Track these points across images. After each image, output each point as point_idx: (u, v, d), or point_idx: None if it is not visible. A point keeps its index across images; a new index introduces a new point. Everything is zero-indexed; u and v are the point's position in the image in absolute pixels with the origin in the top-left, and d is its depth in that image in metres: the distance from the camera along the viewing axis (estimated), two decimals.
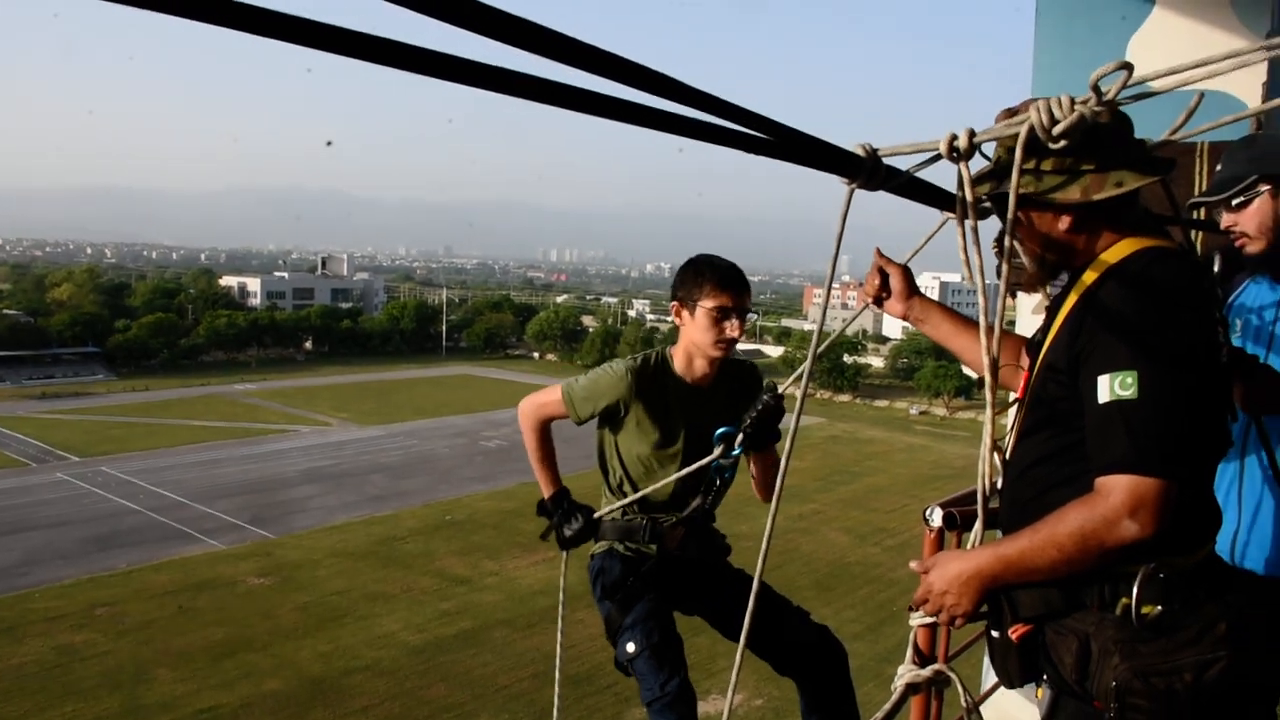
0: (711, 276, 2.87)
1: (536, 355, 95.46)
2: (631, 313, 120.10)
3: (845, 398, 71.46)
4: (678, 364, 3.01)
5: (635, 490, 3.00)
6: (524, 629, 25.34)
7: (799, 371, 2.27)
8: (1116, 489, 1.51)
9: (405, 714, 21.28)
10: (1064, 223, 1.69)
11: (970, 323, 2.18)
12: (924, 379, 69.74)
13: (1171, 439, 1.52)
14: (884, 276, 2.22)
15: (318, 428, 55.77)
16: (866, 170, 1.49)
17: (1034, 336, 1.85)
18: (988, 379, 1.68)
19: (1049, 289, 1.90)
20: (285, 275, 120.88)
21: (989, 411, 1.68)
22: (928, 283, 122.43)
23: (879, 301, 2.27)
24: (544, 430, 3.15)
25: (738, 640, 2.77)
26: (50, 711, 20.34)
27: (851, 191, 1.54)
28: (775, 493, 1.99)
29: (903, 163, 1.61)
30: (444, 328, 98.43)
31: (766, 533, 1.76)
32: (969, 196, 1.62)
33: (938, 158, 1.58)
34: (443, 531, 35.45)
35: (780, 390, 2.83)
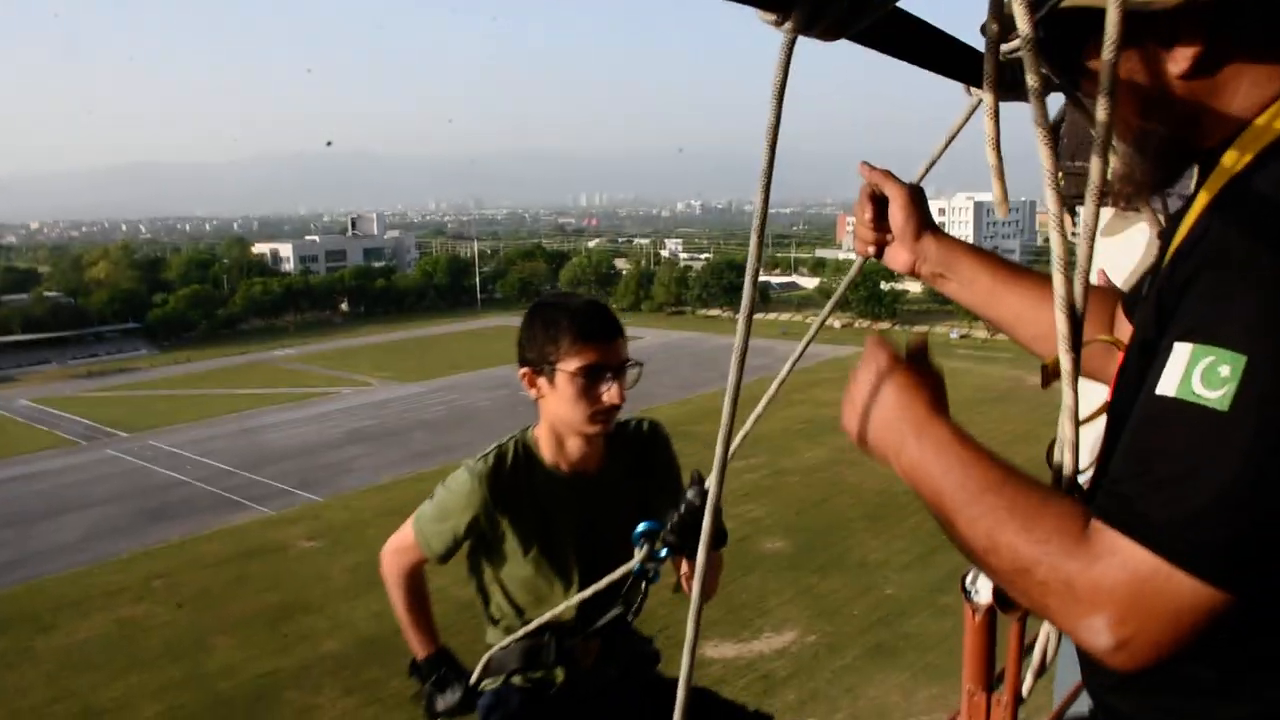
0: (568, 326, 2.14)
1: None
2: (664, 253, 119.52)
3: (883, 325, 70.85)
4: (545, 451, 2.28)
5: (524, 621, 2.30)
6: None
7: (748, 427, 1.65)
8: (1114, 564, 0.80)
9: None
10: (1182, 62, 0.93)
11: (1021, 274, 1.38)
12: None
13: (1262, 521, 0.77)
14: (878, 205, 1.41)
15: (359, 388, 56.15)
16: None
17: (1138, 288, 1.15)
18: (1065, 365, 0.96)
19: (1158, 204, 1.16)
20: (317, 239, 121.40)
21: (1066, 427, 0.97)
22: (960, 204, 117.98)
23: (879, 251, 1.45)
24: (411, 580, 2.46)
25: None
26: (117, 683, 20.73)
27: (791, 41, 0.90)
28: (696, 584, 1.28)
29: None
30: (477, 280, 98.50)
31: (689, 643, 1.20)
32: (1026, 29, 0.90)
33: None
34: None
35: (708, 483, 1.87)
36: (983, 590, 1.71)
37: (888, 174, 1.40)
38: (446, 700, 2.44)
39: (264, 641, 22.58)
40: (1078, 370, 0.95)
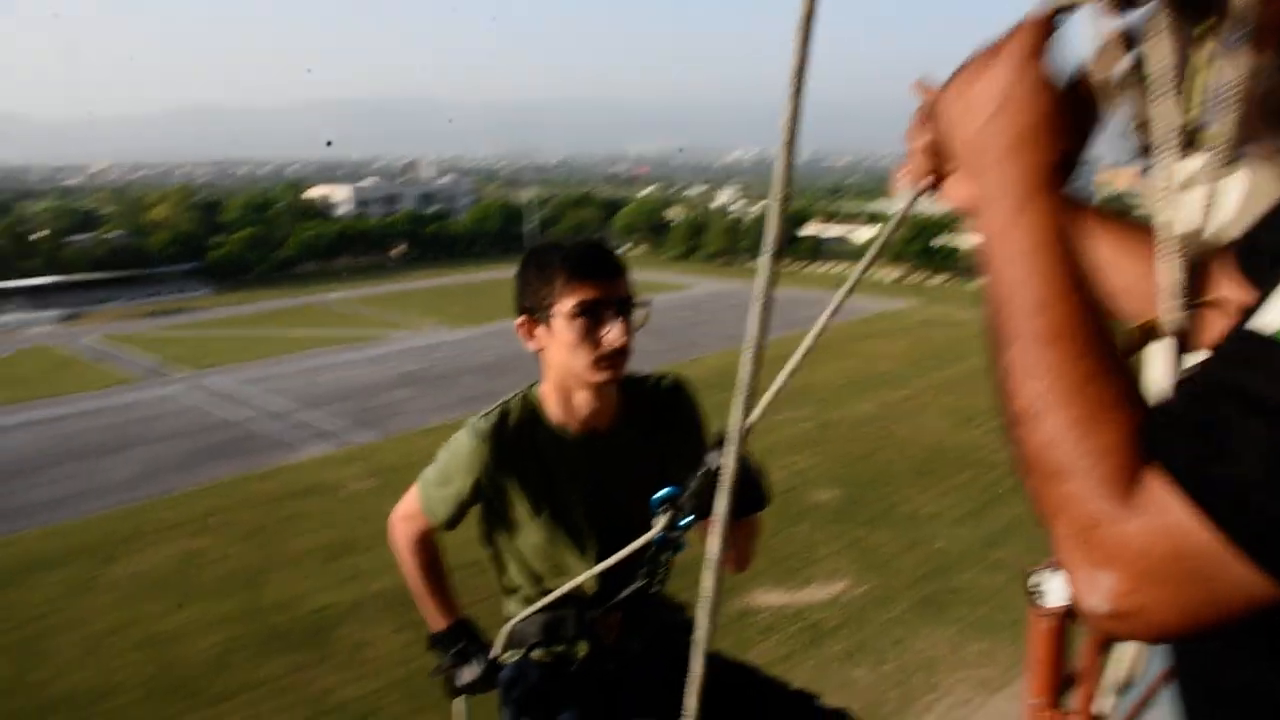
0: (562, 265, 1.98)
1: (624, 250, 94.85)
2: (717, 202, 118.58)
3: (938, 280, 69.85)
4: (552, 409, 2.15)
5: (541, 591, 2.18)
6: None
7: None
8: (1156, 525, 0.63)
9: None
10: None
11: (1106, 215, 1.12)
12: None
13: None
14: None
15: (411, 331, 56.61)
16: None
17: (1252, 239, 0.92)
18: (1171, 324, 0.80)
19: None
20: (371, 183, 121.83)
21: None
22: None
23: (935, 183, 1.14)
24: (422, 549, 2.34)
25: None
26: (178, 613, 21.29)
27: None
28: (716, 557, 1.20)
29: None
30: (530, 227, 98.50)
31: (709, 599, 1.16)
32: None
33: None
34: None
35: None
36: (1053, 592, 1.44)
37: None
38: (468, 675, 2.36)
39: (318, 578, 23.06)
40: (1189, 331, 0.77)
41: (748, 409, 1.05)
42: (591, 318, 1.96)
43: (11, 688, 17.51)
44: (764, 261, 0.95)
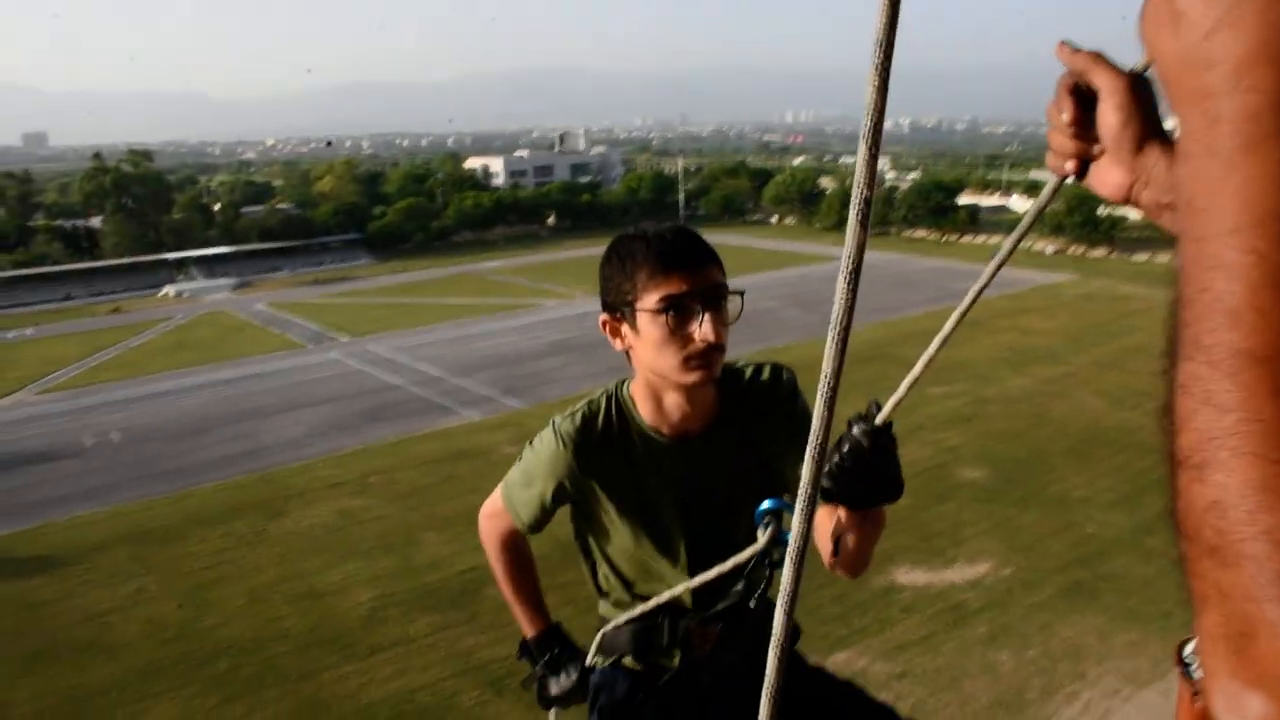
0: (644, 257, 1.78)
1: (775, 220, 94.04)
2: None
3: (1100, 252, 66.78)
4: (643, 409, 1.95)
5: (633, 596, 2.05)
6: None
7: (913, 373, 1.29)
8: None
9: None
10: None
11: None
12: None
13: None
14: (1081, 102, 0.94)
15: (562, 300, 57.39)
16: None
17: None
18: None
19: None
20: (525, 154, 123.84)
21: None
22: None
23: (1081, 168, 0.97)
24: (509, 549, 2.26)
25: None
26: (336, 568, 22.29)
27: None
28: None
29: None
30: (681, 197, 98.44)
31: (784, 605, 1.07)
32: None
33: None
34: None
35: (880, 416, 1.38)
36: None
37: (1097, 57, 0.92)
38: (561, 684, 2.25)
39: (468, 539, 23.63)
40: None
41: (829, 414, 1.05)
42: (679, 313, 1.76)
43: (182, 633, 18.73)
44: (841, 284, 0.94)
